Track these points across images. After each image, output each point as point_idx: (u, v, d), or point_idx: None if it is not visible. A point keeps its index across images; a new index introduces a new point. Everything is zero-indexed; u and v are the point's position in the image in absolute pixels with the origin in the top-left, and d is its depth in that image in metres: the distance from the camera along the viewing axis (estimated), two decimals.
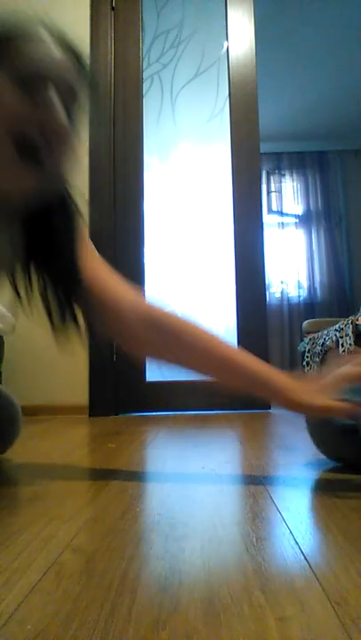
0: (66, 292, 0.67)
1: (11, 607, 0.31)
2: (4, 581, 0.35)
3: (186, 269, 1.89)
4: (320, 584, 0.33)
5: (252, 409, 1.78)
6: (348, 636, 0.27)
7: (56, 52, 0.57)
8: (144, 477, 0.68)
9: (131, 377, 1.81)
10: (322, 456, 0.75)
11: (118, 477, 0.68)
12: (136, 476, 0.69)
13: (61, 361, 1.81)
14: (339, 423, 0.66)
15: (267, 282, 4.29)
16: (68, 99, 0.56)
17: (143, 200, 1.89)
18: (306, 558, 0.38)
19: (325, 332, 3.33)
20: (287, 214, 4.43)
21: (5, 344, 1.65)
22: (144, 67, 1.98)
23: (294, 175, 4.49)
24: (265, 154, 4.37)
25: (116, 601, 0.31)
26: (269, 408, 1.80)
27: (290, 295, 4.37)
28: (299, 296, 4.37)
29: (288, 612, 0.29)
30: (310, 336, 3.74)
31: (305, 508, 0.51)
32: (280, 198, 4.46)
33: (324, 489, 0.59)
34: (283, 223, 4.42)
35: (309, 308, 4.34)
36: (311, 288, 4.38)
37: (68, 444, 1.04)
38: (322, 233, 4.38)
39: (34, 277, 0.67)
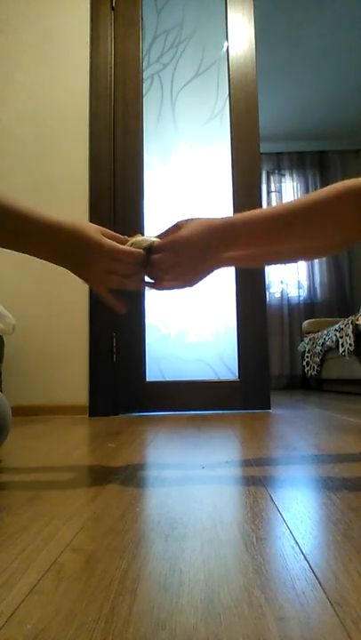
0: None
1: (11, 607, 0.31)
2: (4, 581, 0.35)
3: None
4: (320, 584, 0.33)
5: (252, 409, 1.78)
6: (348, 635, 0.27)
7: None
8: (144, 477, 0.68)
9: (131, 377, 1.81)
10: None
11: (118, 477, 0.68)
12: (136, 476, 0.69)
13: (61, 361, 1.81)
14: None
15: (267, 282, 4.30)
16: None
17: (143, 200, 1.89)
18: (306, 558, 0.38)
19: (325, 332, 3.33)
20: None
21: (5, 344, 1.65)
22: (144, 66, 1.98)
23: (294, 175, 4.50)
24: (265, 154, 4.38)
25: (116, 601, 0.31)
26: (269, 408, 1.80)
27: (290, 295, 4.37)
28: (299, 296, 4.38)
29: (288, 612, 0.29)
30: (310, 336, 3.74)
31: (305, 508, 0.51)
32: (280, 198, 4.46)
33: (324, 489, 0.59)
34: None
35: (309, 308, 4.35)
36: (311, 288, 4.38)
37: (68, 444, 1.04)
38: None
39: None
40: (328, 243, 0.73)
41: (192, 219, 0.69)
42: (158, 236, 0.72)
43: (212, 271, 0.72)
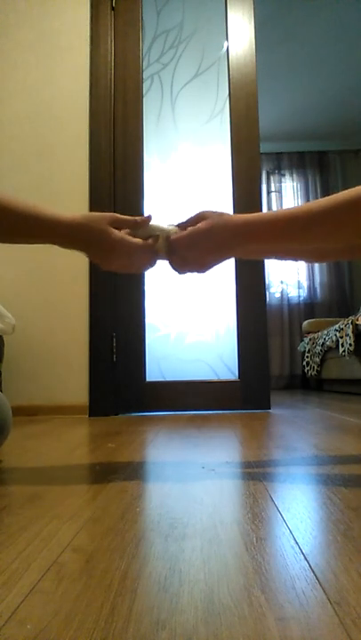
0: None
1: (11, 607, 0.31)
2: (4, 581, 0.35)
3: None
4: (320, 584, 0.33)
5: (252, 409, 1.78)
6: (347, 635, 0.27)
7: None
8: (144, 477, 0.68)
9: (131, 377, 1.81)
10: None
11: (118, 477, 0.68)
12: (136, 476, 0.69)
13: (61, 361, 1.81)
14: None
15: (267, 282, 4.30)
16: None
17: (143, 200, 1.89)
18: (306, 558, 0.38)
19: (325, 332, 3.33)
20: None
21: (5, 344, 1.65)
22: (144, 67, 1.98)
23: (294, 175, 4.50)
24: (265, 154, 4.38)
25: (116, 601, 0.31)
26: (269, 408, 1.80)
27: (290, 295, 4.37)
28: (299, 296, 4.37)
29: (288, 612, 0.29)
30: (310, 336, 3.74)
31: (305, 508, 0.51)
32: (280, 198, 4.46)
33: (324, 489, 0.59)
34: None
35: (309, 308, 4.35)
36: (311, 288, 4.38)
37: (68, 443, 1.04)
38: None
39: None
40: (346, 245, 0.74)
41: (214, 212, 0.71)
42: (179, 225, 0.73)
43: (226, 259, 0.74)
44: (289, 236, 0.68)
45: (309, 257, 0.81)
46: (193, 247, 0.70)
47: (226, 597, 0.32)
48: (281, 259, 0.84)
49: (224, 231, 0.68)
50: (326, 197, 0.66)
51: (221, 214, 0.70)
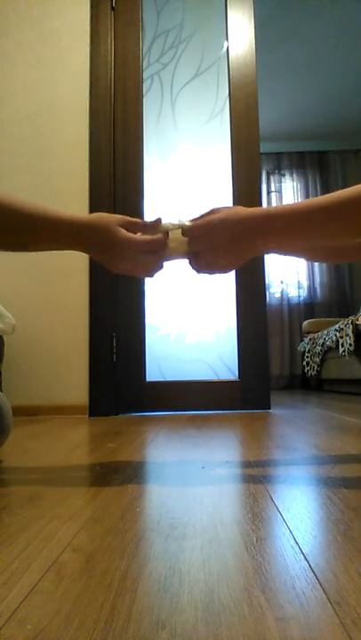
0: None
1: (11, 607, 0.31)
2: (4, 581, 0.35)
3: (185, 269, 1.89)
4: (320, 584, 0.33)
5: (252, 409, 1.78)
6: (347, 635, 0.27)
7: None
8: (144, 477, 0.68)
9: (131, 377, 1.81)
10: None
11: (118, 477, 0.68)
12: (136, 476, 0.69)
13: (61, 361, 1.81)
14: None
15: (267, 282, 4.29)
16: None
17: (143, 200, 1.89)
18: (306, 558, 0.38)
19: (325, 332, 3.33)
20: None
21: (5, 344, 1.65)
22: (144, 66, 1.98)
23: (294, 175, 4.50)
24: (265, 154, 4.37)
25: (116, 601, 0.31)
26: (269, 408, 1.80)
27: (290, 295, 4.37)
28: (299, 296, 4.37)
29: (288, 612, 0.29)
30: (310, 336, 3.74)
31: (305, 508, 0.51)
32: (280, 198, 4.46)
33: (324, 489, 0.59)
34: None
35: (309, 308, 4.35)
36: (311, 288, 4.38)
37: (68, 443, 1.04)
38: None
39: None
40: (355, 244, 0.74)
41: (227, 206, 0.70)
42: (191, 221, 0.71)
43: (248, 258, 0.72)
44: (289, 229, 0.66)
45: (327, 257, 0.81)
46: (207, 237, 0.68)
47: (226, 597, 0.32)
48: (299, 256, 0.83)
49: (237, 222, 0.67)
50: (329, 194, 0.64)
51: (234, 207, 0.69)
